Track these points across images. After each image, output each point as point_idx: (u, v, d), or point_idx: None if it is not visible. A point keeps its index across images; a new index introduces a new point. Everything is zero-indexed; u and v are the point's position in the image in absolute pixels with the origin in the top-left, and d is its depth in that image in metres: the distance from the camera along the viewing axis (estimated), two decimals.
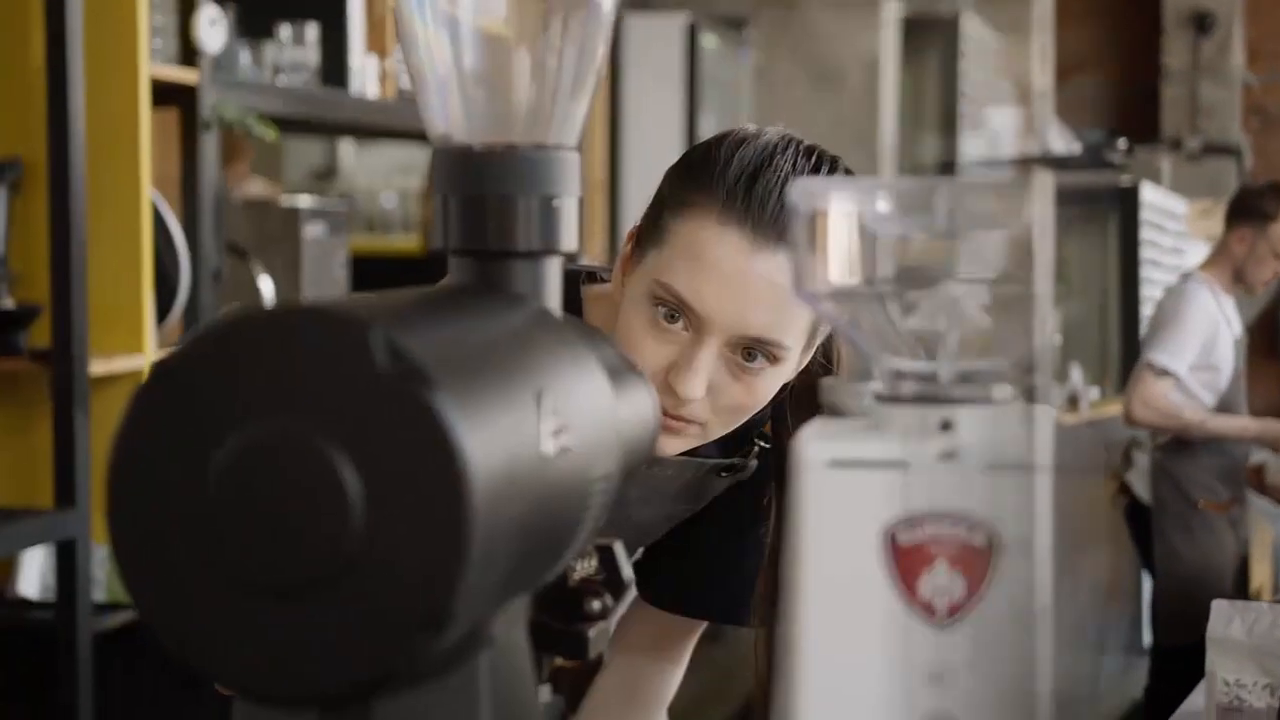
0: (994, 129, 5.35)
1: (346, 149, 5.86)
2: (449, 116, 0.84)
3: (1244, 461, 4.50)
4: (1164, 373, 4.22)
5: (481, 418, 0.64)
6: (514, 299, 0.81)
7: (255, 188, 3.86)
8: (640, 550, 1.50)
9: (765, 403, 1.30)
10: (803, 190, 0.73)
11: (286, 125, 3.22)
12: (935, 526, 0.70)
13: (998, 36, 8.01)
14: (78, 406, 2.35)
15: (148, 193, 2.53)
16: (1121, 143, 6.40)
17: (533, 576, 0.74)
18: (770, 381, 1.28)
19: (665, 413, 1.25)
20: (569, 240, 0.84)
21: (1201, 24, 9.36)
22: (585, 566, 0.90)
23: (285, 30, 3.08)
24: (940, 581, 0.70)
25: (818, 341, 1.33)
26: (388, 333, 0.63)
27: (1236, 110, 9.59)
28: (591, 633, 0.85)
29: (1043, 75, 5.47)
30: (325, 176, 5.78)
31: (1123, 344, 7.24)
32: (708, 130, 6.26)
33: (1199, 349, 4.27)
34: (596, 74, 0.87)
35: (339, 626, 0.63)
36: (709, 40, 5.41)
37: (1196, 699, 2.13)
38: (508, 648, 0.74)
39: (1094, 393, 6.31)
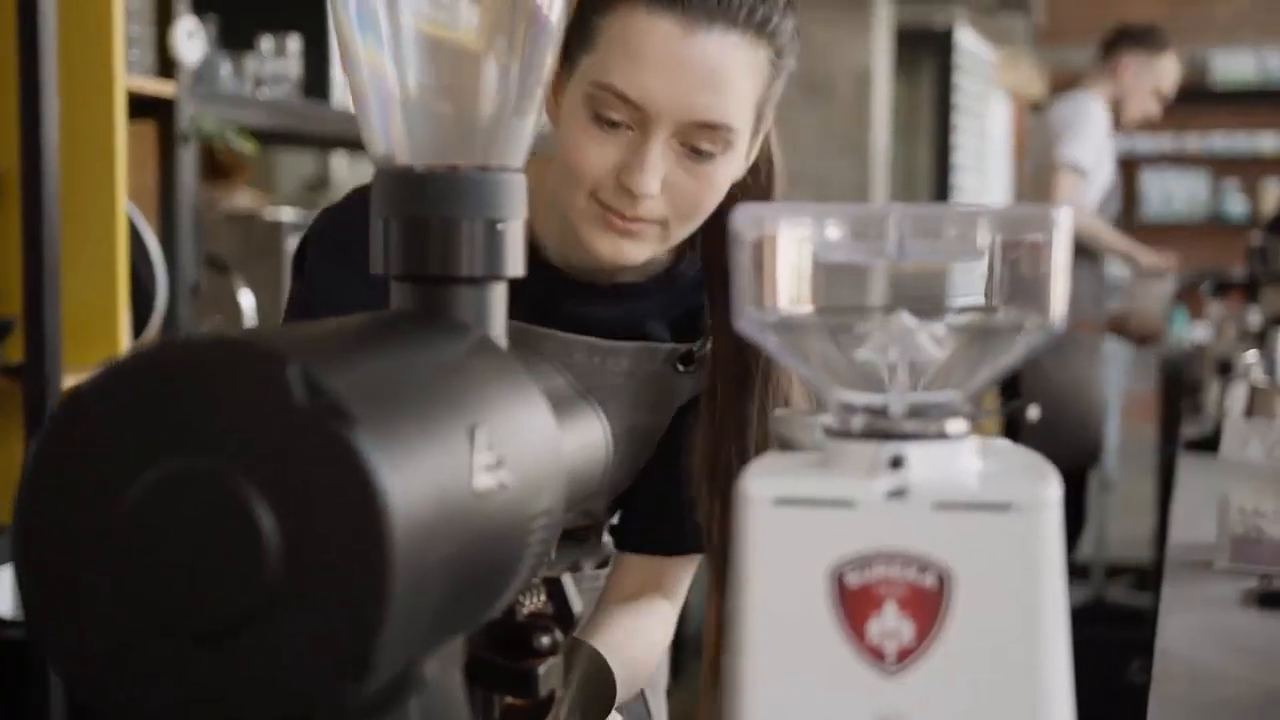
0: None
1: (339, 160, 5.83)
2: (390, 137, 0.82)
3: (1105, 289, 4.61)
4: (1080, 171, 4.26)
5: (406, 454, 0.62)
6: (455, 327, 0.78)
7: (244, 199, 3.84)
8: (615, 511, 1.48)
9: (721, 195, 1.27)
10: (748, 216, 0.70)
11: (268, 138, 3.19)
12: (885, 567, 0.67)
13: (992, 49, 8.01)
14: None
15: (123, 205, 2.50)
16: None
17: (467, 617, 0.71)
18: (723, 170, 1.25)
19: (622, 215, 1.24)
20: (514, 265, 0.81)
21: None
22: (533, 601, 0.87)
23: (267, 42, 3.05)
24: (889, 625, 0.67)
25: (764, 129, 1.31)
26: (306, 367, 0.60)
27: None
28: (541, 669, 0.82)
29: None
30: (317, 187, 5.75)
31: (934, 190, 7.29)
32: None
33: (1095, 152, 4.32)
34: (543, 91, 0.84)
35: (255, 671, 0.60)
36: None
37: (1202, 532, 1.94)
38: (442, 690, 0.71)
39: None
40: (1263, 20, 9.98)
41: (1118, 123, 4.47)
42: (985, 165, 8.34)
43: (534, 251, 1.34)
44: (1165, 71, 4.39)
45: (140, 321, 2.59)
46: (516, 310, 1.27)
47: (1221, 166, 10.10)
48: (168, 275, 2.64)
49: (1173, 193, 10.18)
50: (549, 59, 0.82)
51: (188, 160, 2.69)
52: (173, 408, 0.60)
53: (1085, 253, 4.43)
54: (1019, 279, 0.70)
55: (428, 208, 0.79)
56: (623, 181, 1.22)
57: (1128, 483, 6.21)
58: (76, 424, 0.61)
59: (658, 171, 1.22)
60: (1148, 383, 6.25)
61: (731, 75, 1.21)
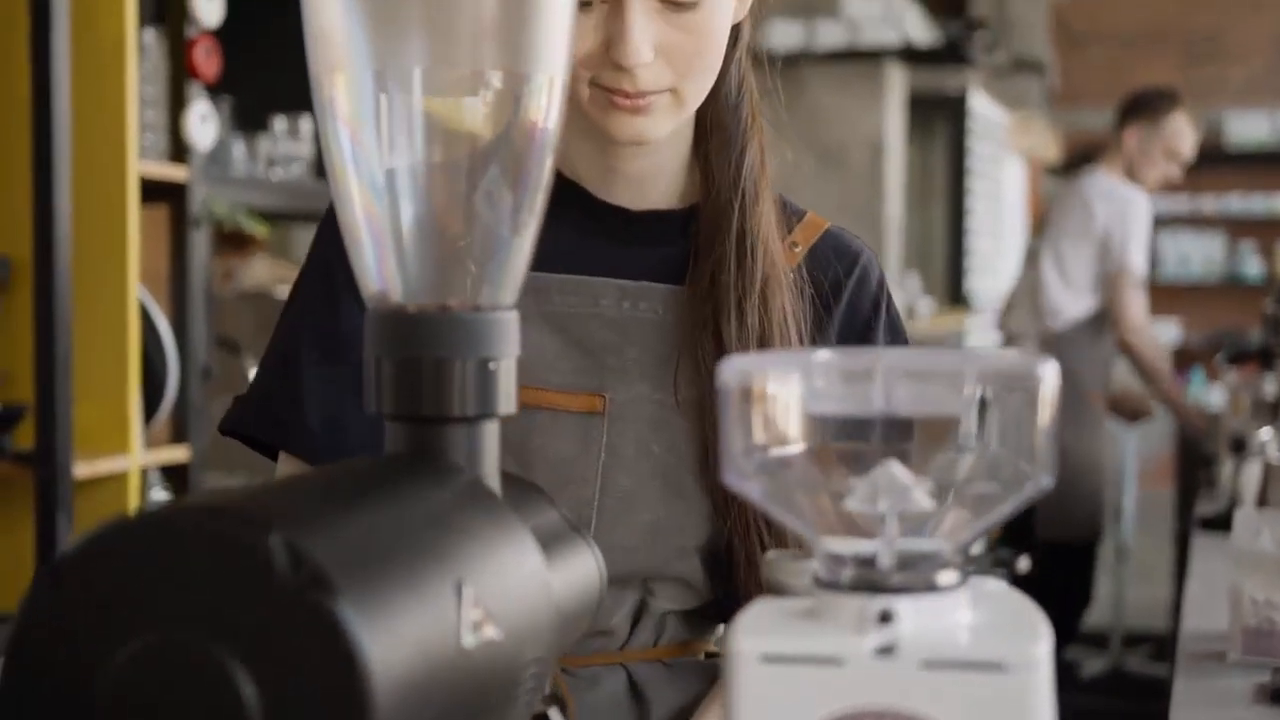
0: (853, 16, 5.31)
1: None
2: (383, 275, 0.82)
3: (1115, 364, 4.55)
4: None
5: (391, 620, 0.61)
6: (446, 471, 0.78)
7: (260, 268, 3.85)
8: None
9: (723, 43, 1.20)
10: (734, 368, 0.70)
11: (282, 215, 3.21)
12: None
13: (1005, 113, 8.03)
14: (61, 511, 2.32)
15: (135, 291, 2.51)
16: (982, 35, 6.32)
17: None
18: (715, 17, 1.18)
19: (627, 94, 1.17)
20: (507, 403, 0.81)
21: None
22: None
23: (280, 123, 3.07)
24: None
25: None
26: (289, 535, 0.60)
27: (1042, 26, 9.69)
28: None
29: None
30: None
31: (949, 254, 7.28)
32: None
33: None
34: (536, 229, 0.84)
35: None
36: None
37: (1216, 621, 1.91)
38: None
39: (928, 303, 6.31)
40: (1277, 83, 10.01)
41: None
42: (1000, 229, 8.35)
43: (570, 186, 1.29)
44: (1173, 134, 4.40)
45: (151, 406, 2.60)
46: (543, 259, 1.27)
47: (1237, 228, 10.11)
48: (179, 358, 2.64)
49: (1189, 254, 10.17)
50: (540, 198, 0.83)
51: (200, 244, 2.70)
52: (154, 579, 0.60)
53: (1098, 323, 4.42)
54: (1008, 430, 0.70)
55: (420, 348, 0.79)
56: (613, 58, 1.15)
57: (1146, 549, 6.18)
58: (57, 594, 0.61)
59: (644, 38, 1.15)
60: (1164, 447, 6.23)
61: None
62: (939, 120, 7.25)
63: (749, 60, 1.29)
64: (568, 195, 1.27)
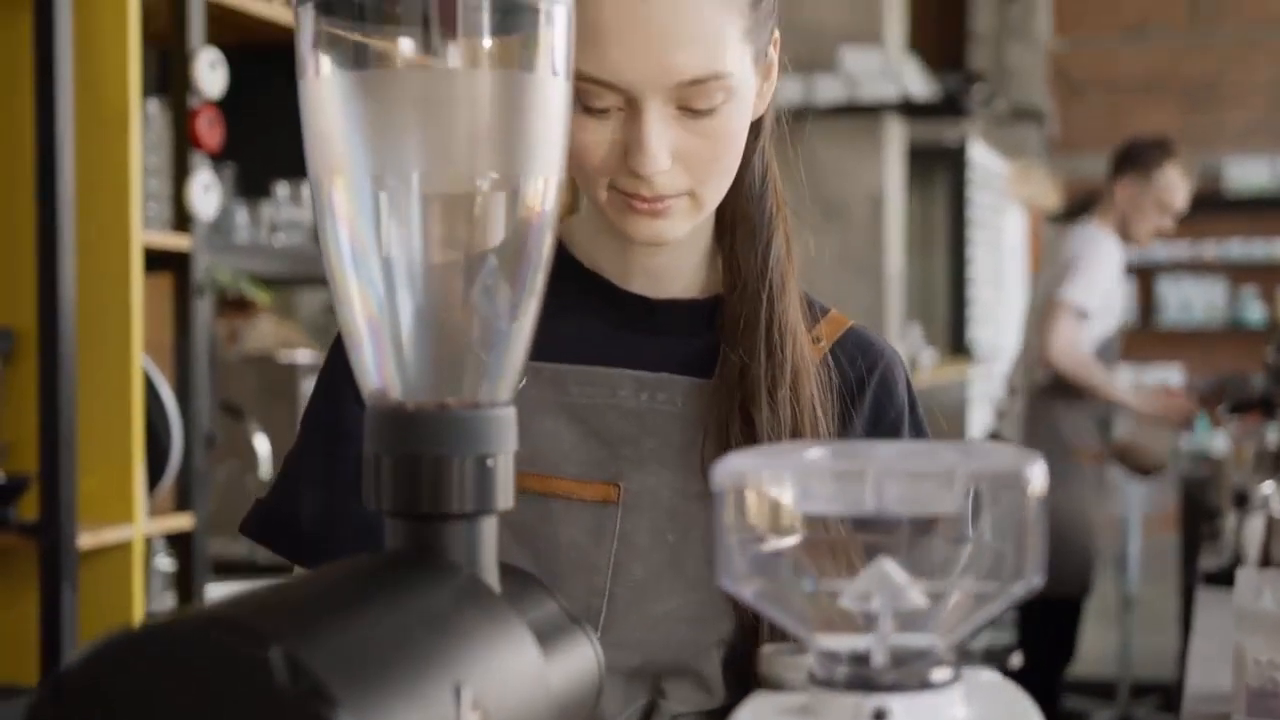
0: (851, 71, 5.32)
1: None
2: (381, 373, 0.83)
3: (1110, 418, 4.51)
4: (1082, 313, 4.26)
5: None
6: (444, 568, 0.79)
7: (265, 329, 3.86)
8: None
9: (741, 143, 1.17)
10: (725, 471, 0.71)
11: (284, 280, 3.23)
12: None
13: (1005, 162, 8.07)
14: (65, 582, 2.33)
15: (139, 361, 2.53)
16: (979, 89, 6.34)
17: None
18: (733, 120, 1.16)
19: (644, 198, 1.15)
20: (505, 499, 0.82)
21: None
22: None
23: (282, 189, 3.10)
24: None
25: (772, 55, 1.22)
26: (288, 647, 0.61)
27: (1041, 75, 9.74)
28: None
29: (894, 16, 5.42)
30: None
31: (951, 304, 7.28)
32: None
33: (1102, 295, 4.32)
34: (532, 325, 0.85)
35: None
36: None
37: (1220, 680, 1.89)
38: None
39: (930, 354, 6.32)
40: (1276, 128, 10.05)
41: (1129, 239, 4.50)
42: (1001, 277, 8.37)
43: (591, 276, 1.28)
44: (1165, 187, 4.40)
45: (155, 474, 2.61)
46: (564, 349, 1.26)
47: (1238, 273, 10.14)
48: (183, 426, 2.66)
49: (1190, 300, 10.20)
50: (535, 297, 0.84)
51: (203, 311, 2.72)
52: (156, 691, 0.61)
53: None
54: (999, 528, 0.71)
55: (418, 446, 0.80)
56: (630, 165, 1.14)
57: (1153, 597, 6.16)
58: (60, 706, 0.62)
59: (660, 146, 1.13)
60: (1169, 494, 6.22)
61: (702, 20, 1.11)
62: (939, 171, 7.28)
63: (773, 150, 1.28)
64: (589, 285, 1.27)
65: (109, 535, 2.49)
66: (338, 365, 1.27)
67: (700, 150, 1.14)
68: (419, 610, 0.73)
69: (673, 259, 1.28)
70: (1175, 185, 4.43)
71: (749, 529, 0.72)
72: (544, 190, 0.83)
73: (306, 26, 0.80)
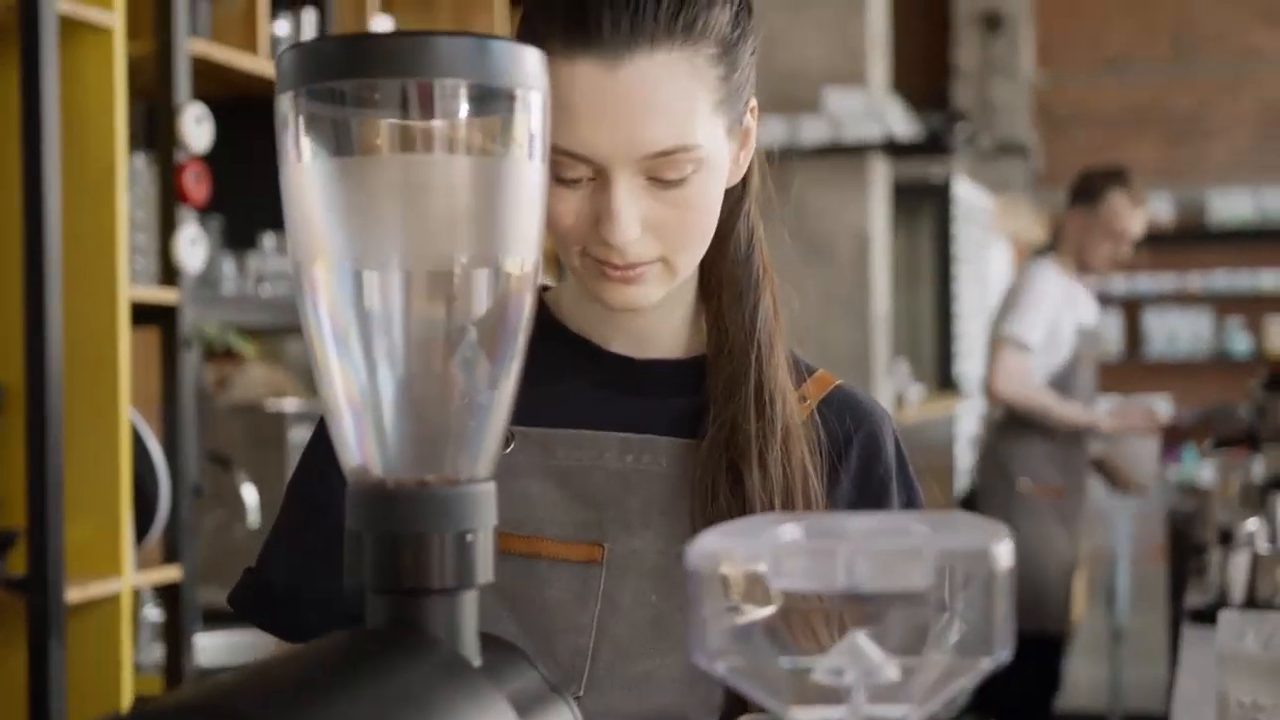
0: (835, 112, 5.35)
1: None
2: (363, 451, 0.84)
3: (1078, 449, 4.45)
4: (1023, 346, 4.27)
5: None
6: (425, 645, 0.80)
7: (254, 375, 3.87)
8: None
9: (715, 211, 1.19)
10: (699, 552, 0.73)
11: (271, 330, 3.25)
12: None
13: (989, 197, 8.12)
14: (53, 637, 2.33)
15: (126, 415, 2.54)
16: (962, 128, 6.36)
17: None
18: (705, 189, 1.17)
19: (615, 265, 1.16)
20: (484, 572, 0.84)
21: (991, 23, 9.55)
22: None
23: (269, 240, 3.12)
24: None
25: (746, 123, 1.23)
26: None
27: (1025, 109, 9.80)
28: None
29: (877, 57, 5.45)
30: None
31: (938, 340, 7.29)
32: None
33: (1046, 327, 4.32)
34: (510, 403, 0.87)
35: None
36: None
37: (1207, 717, 1.91)
38: None
39: (917, 390, 6.33)
40: (1259, 160, 10.12)
41: (1088, 270, 4.50)
42: (987, 311, 8.39)
43: (577, 340, 1.30)
44: (1111, 215, 4.41)
45: (143, 527, 2.62)
46: (551, 412, 1.27)
47: (1224, 304, 10.19)
48: (170, 478, 2.67)
49: (1176, 331, 10.24)
50: (513, 374, 0.85)
51: (190, 364, 2.73)
52: None
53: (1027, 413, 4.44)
54: (969, 604, 0.73)
55: (399, 524, 0.82)
56: (600, 233, 1.15)
57: (1144, 627, 6.17)
58: None
59: (631, 216, 1.15)
60: (1159, 524, 6.24)
61: (672, 94, 1.13)
62: (924, 207, 7.32)
63: (759, 213, 1.29)
64: (575, 349, 1.29)
65: (97, 589, 2.50)
66: (323, 439, 1.28)
67: (670, 219, 1.16)
68: (398, 688, 0.74)
69: (656, 321, 1.29)
70: (1122, 212, 4.42)
71: (723, 605, 0.74)
72: (521, 270, 0.85)
73: (288, 113, 0.82)
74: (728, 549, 0.73)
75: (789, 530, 0.76)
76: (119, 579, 2.53)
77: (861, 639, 0.73)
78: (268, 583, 1.28)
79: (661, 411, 1.28)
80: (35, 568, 2.37)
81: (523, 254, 0.85)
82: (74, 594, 2.43)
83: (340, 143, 0.82)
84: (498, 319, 0.85)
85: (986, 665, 0.73)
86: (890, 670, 0.73)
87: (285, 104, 0.82)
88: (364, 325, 0.83)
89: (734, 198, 1.25)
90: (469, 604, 0.83)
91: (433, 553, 0.81)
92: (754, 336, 1.26)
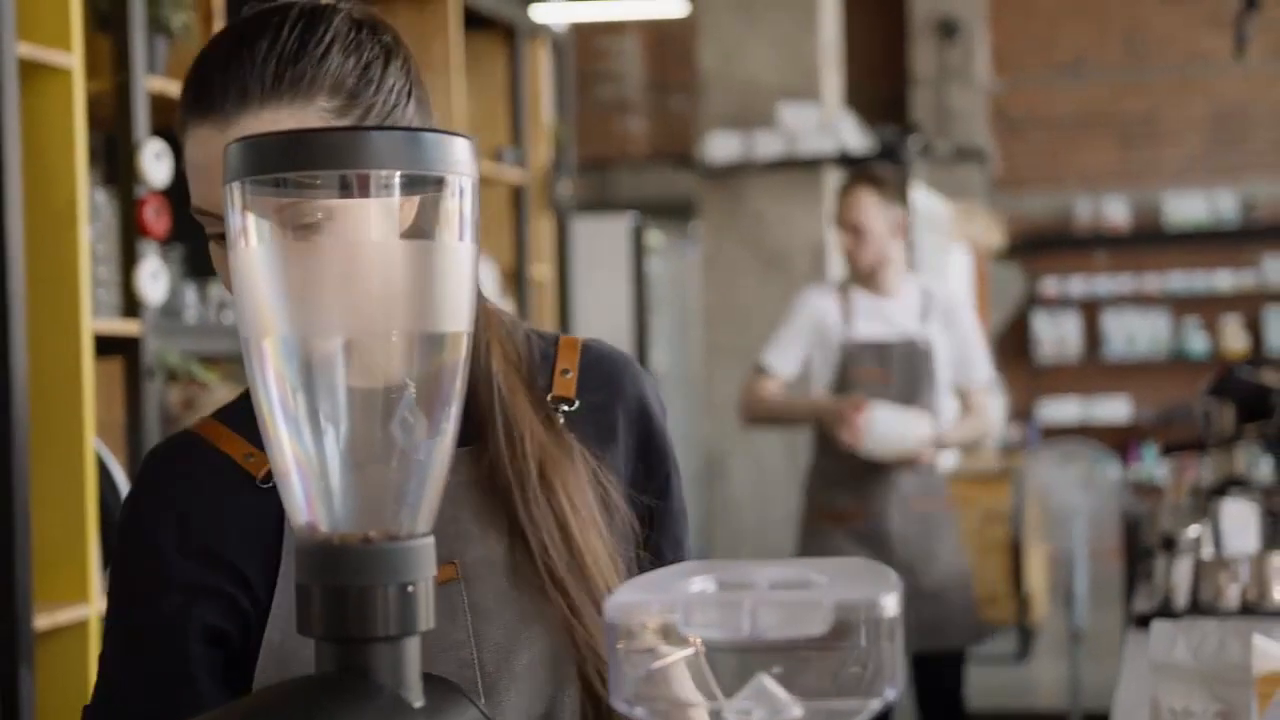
0: (790, 127, 5.35)
1: None
2: (311, 509, 0.91)
3: (874, 472, 4.13)
4: (759, 369, 4.13)
5: None
6: (370, 690, 0.87)
7: (220, 396, 3.91)
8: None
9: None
10: (616, 606, 0.80)
11: (235, 357, 3.30)
12: None
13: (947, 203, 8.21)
14: (23, 665, 2.39)
15: (91, 445, 2.59)
16: (915, 139, 6.40)
17: None
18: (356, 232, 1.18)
19: None
20: (426, 620, 0.91)
21: (947, 30, 9.66)
22: None
23: None
24: None
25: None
26: None
27: (982, 115, 9.94)
28: None
29: (831, 72, 5.51)
30: None
31: None
32: (659, 324, 6.42)
33: (790, 342, 4.14)
34: (447, 463, 0.94)
35: None
36: (654, 237, 5.55)
37: None
38: None
39: None
40: (1212, 163, 10.25)
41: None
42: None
43: None
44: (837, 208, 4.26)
45: (109, 555, 2.67)
46: None
47: (1181, 305, 10.32)
48: None
49: (1135, 332, 10.36)
50: (454, 411, 0.92)
51: (153, 394, 2.79)
52: None
53: (818, 439, 4.23)
54: (862, 650, 0.80)
55: (345, 577, 0.89)
56: None
57: (1104, 625, 6.26)
58: None
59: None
60: (1114, 528, 6.34)
61: None
62: None
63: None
64: None
65: (65, 616, 2.55)
66: (144, 523, 1.28)
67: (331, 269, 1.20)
68: None
69: None
70: (840, 202, 4.19)
71: (637, 657, 0.81)
72: (455, 337, 0.92)
73: (235, 201, 0.89)
74: (642, 603, 0.80)
75: (698, 584, 0.83)
76: (86, 605, 2.59)
77: (767, 681, 0.80)
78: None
79: None
80: (3, 596, 2.42)
81: (456, 323, 0.92)
82: (42, 621, 2.49)
83: (283, 228, 0.89)
84: (434, 383, 0.92)
85: (878, 703, 0.80)
86: (794, 710, 0.80)
87: (232, 193, 0.89)
88: (309, 393, 0.90)
89: None
90: (411, 649, 0.90)
91: (377, 603, 0.89)
92: (492, 382, 1.30)
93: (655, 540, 1.36)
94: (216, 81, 1.20)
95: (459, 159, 0.91)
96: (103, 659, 1.29)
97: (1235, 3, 4.79)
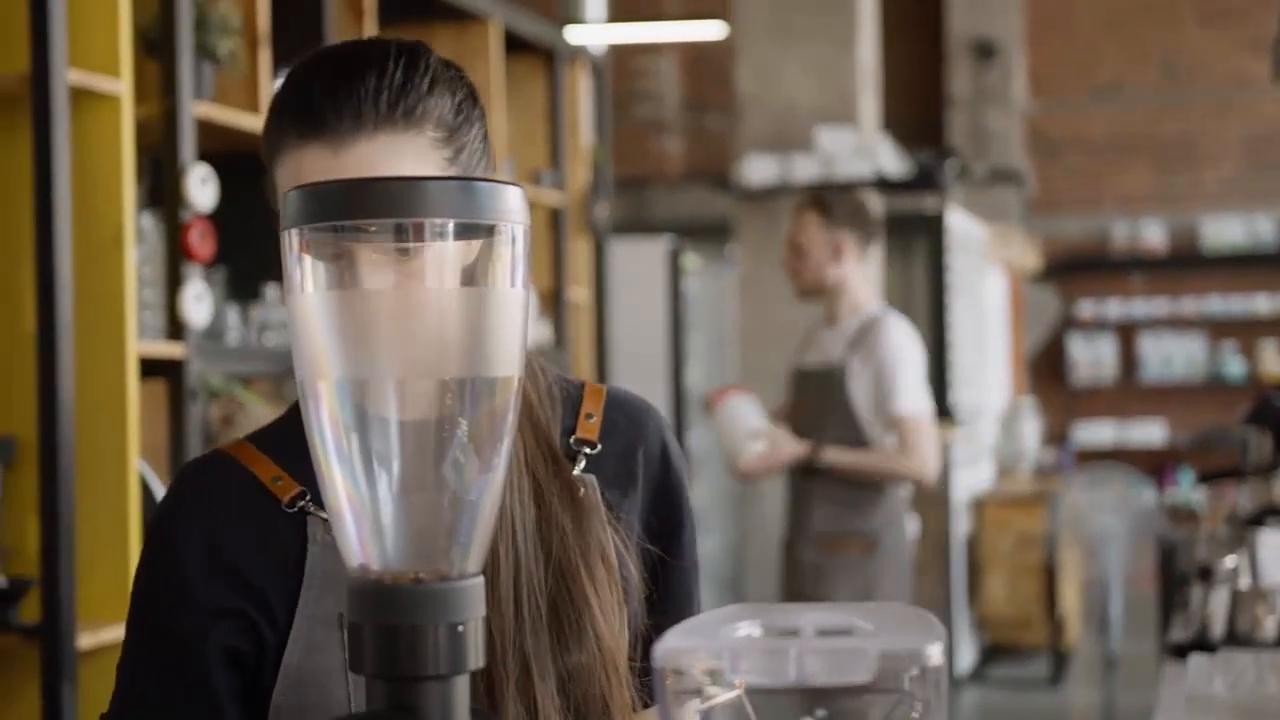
0: (828, 151, 5.36)
1: None
2: (364, 550, 0.93)
3: (795, 499, 4.08)
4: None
5: None
6: None
7: (257, 414, 3.94)
8: None
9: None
10: (665, 651, 0.81)
11: (275, 375, 3.33)
12: None
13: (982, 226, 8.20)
14: (65, 682, 2.42)
15: (135, 466, 2.62)
16: (952, 164, 6.40)
17: None
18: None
19: None
20: (475, 659, 0.92)
21: (984, 52, 9.62)
22: None
23: (272, 290, 3.20)
24: None
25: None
26: None
27: (1019, 137, 9.90)
28: None
29: (868, 96, 5.50)
30: None
31: (933, 369, 7.34)
32: (694, 345, 6.42)
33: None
34: (497, 504, 0.95)
35: None
36: (691, 260, 5.56)
37: None
38: None
39: None
40: (1250, 187, 10.21)
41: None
42: (983, 341, 8.48)
43: None
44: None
45: None
46: None
47: (1218, 329, 10.27)
48: None
49: (1171, 355, 10.32)
50: (505, 453, 0.93)
51: (196, 416, 2.82)
52: None
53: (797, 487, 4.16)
54: (908, 696, 0.81)
55: (396, 617, 0.91)
56: None
57: (1139, 652, 6.23)
58: None
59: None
60: (1150, 556, 6.31)
61: (394, 172, 1.22)
62: (917, 238, 7.40)
63: None
64: None
65: (108, 634, 2.58)
66: (169, 541, 1.29)
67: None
68: None
69: None
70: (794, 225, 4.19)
71: (687, 701, 0.82)
72: (506, 380, 0.94)
73: (292, 247, 0.91)
74: (690, 648, 0.82)
75: (745, 627, 0.85)
76: None
77: None
78: None
79: None
80: (48, 615, 2.45)
81: (507, 367, 0.94)
82: (85, 640, 2.52)
83: (339, 275, 0.91)
84: (485, 425, 0.94)
85: None
86: None
87: (290, 240, 0.91)
88: (363, 435, 0.92)
89: None
90: (461, 688, 0.92)
91: (427, 643, 0.90)
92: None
93: (664, 590, 1.36)
94: (328, 105, 1.22)
95: (511, 207, 0.92)
96: (121, 669, 1.30)
97: (1274, 26, 4.78)
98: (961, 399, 7.68)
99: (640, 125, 10.10)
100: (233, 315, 3.10)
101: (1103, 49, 10.28)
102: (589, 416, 1.36)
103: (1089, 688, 6.63)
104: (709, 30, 7.19)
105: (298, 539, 1.27)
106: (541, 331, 4.42)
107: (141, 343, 2.68)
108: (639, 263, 5.53)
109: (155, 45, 2.87)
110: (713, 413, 4.05)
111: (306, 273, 0.91)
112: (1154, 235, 10.33)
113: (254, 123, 3.08)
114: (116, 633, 2.61)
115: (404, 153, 1.23)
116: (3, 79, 2.56)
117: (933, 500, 7.05)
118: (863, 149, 5.51)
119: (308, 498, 1.28)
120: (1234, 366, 10.24)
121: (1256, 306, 10.15)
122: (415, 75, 1.24)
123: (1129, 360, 10.47)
